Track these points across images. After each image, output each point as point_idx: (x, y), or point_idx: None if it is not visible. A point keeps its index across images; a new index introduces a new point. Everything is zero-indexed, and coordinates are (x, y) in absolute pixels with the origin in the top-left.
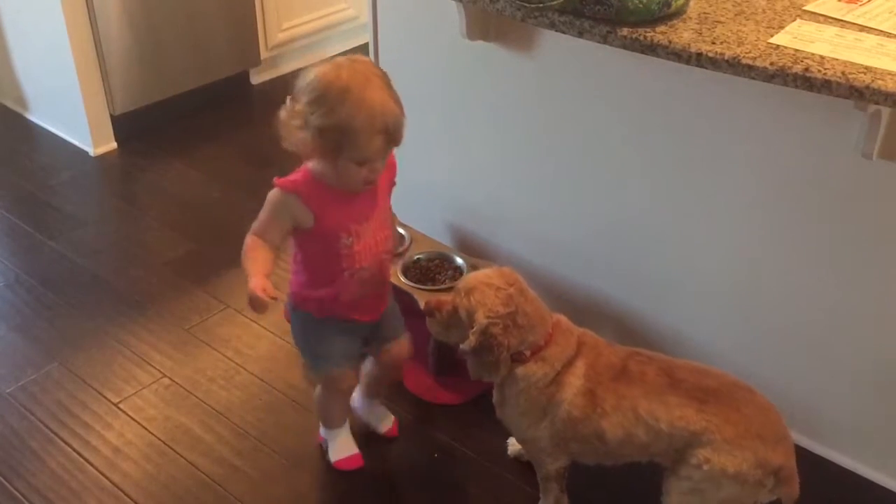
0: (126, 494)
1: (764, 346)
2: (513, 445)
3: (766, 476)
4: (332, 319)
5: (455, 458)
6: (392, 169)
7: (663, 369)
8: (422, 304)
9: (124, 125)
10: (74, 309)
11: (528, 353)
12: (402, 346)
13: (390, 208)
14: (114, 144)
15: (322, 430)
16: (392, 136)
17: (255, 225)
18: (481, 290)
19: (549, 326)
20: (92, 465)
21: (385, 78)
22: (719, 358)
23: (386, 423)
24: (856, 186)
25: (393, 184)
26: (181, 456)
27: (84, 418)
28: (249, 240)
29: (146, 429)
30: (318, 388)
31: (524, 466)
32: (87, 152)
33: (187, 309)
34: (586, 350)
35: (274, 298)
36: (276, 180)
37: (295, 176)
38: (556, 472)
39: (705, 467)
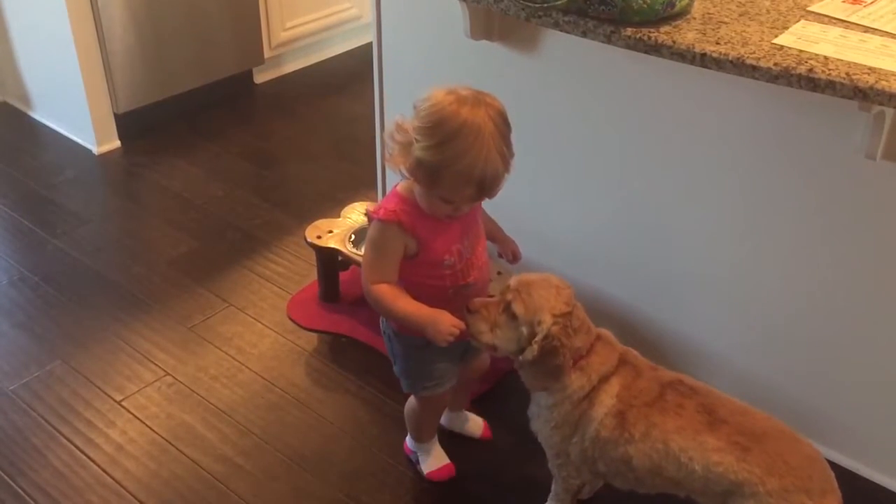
0: (128, 492)
1: (765, 345)
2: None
3: None
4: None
5: (457, 453)
6: None
7: (704, 405)
8: None
9: (128, 123)
10: (77, 306)
11: (571, 361)
12: (485, 357)
13: (481, 217)
14: (117, 143)
15: (410, 443)
16: (485, 189)
17: (370, 272)
18: (543, 287)
19: (593, 336)
20: (94, 462)
21: (502, 126)
22: (719, 357)
23: (478, 427)
24: (859, 187)
25: None
26: (183, 454)
27: (87, 416)
28: (379, 289)
29: (148, 426)
30: (412, 404)
31: (522, 462)
32: (90, 150)
33: (190, 307)
34: (625, 369)
35: (465, 334)
36: (373, 213)
37: (390, 204)
38: (576, 486)
39: None
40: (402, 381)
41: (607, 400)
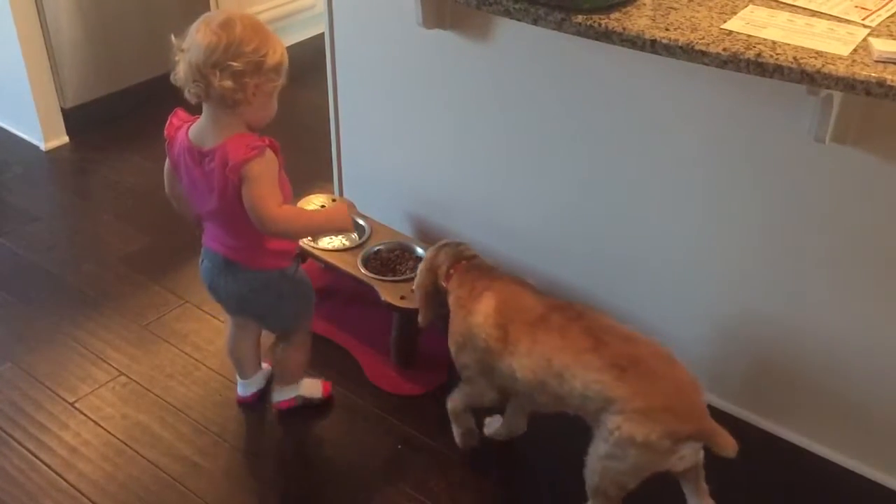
0: (83, 495)
1: (721, 330)
2: (488, 426)
3: (675, 445)
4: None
5: (419, 449)
6: None
7: (590, 329)
8: (383, 296)
9: (76, 118)
10: (27, 307)
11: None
12: None
13: None
14: (66, 138)
15: (290, 391)
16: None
17: (273, 200)
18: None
19: (462, 262)
20: (48, 465)
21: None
22: (676, 341)
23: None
24: (809, 171)
25: None
26: (140, 454)
27: (39, 418)
28: (286, 210)
29: (103, 428)
30: (293, 351)
31: (487, 456)
32: (37, 146)
33: (144, 304)
34: (502, 286)
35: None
36: (248, 155)
37: (250, 140)
38: (468, 405)
39: (616, 433)
40: (298, 322)
41: (483, 309)
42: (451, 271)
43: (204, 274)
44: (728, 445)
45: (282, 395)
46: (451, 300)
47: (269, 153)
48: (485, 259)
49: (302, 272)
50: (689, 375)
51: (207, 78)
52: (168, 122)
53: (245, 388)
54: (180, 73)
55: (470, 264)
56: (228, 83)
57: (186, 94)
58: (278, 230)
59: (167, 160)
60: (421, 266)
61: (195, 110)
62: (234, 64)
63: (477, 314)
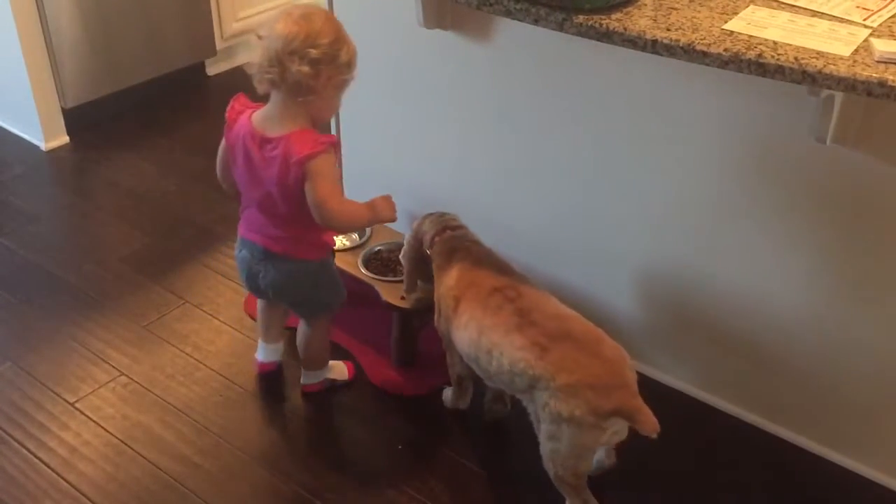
0: (84, 495)
1: (723, 328)
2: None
3: (600, 420)
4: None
5: (419, 449)
6: None
7: (521, 309)
8: (383, 297)
9: (76, 118)
10: (28, 307)
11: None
12: None
13: None
14: (66, 138)
15: (319, 375)
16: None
17: (338, 194)
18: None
19: (447, 233)
20: (48, 466)
21: None
22: (675, 341)
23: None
24: (810, 171)
25: None
26: (140, 455)
27: (39, 419)
28: (347, 207)
29: (104, 428)
30: (317, 336)
31: (487, 455)
32: (38, 146)
33: (144, 305)
34: (470, 259)
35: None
36: (314, 152)
37: (318, 137)
38: (460, 375)
39: (546, 409)
40: (328, 308)
41: (448, 281)
42: (436, 239)
43: (241, 264)
44: (649, 425)
45: (310, 379)
46: (434, 269)
47: (332, 151)
48: (470, 231)
49: (334, 264)
50: (617, 352)
51: (284, 64)
52: (230, 105)
53: (266, 353)
54: (256, 59)
55: (454, 234)
56: (306, 69)
57: (256, 82)
58: (339, 225)
59: (222, 143)
60: (407, 235)
61: (257, 99)
62: (312, 51)
63: (443, 284)
